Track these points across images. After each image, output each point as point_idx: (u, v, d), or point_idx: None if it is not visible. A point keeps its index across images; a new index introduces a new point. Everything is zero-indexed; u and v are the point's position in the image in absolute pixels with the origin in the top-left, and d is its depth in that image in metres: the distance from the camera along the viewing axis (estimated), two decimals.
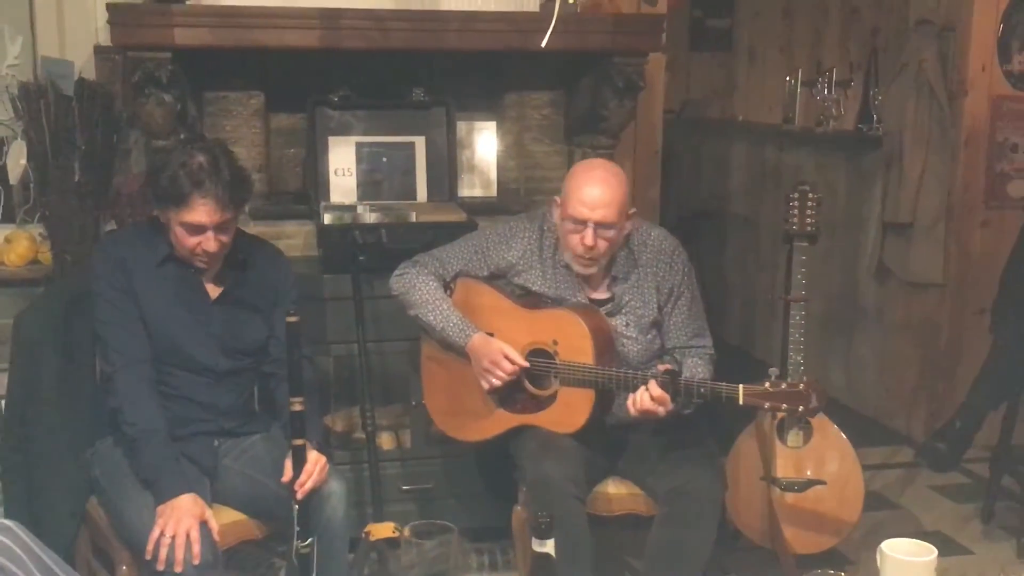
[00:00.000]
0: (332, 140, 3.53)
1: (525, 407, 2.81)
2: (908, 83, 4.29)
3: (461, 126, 3.68)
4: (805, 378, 2.58)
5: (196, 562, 2.33)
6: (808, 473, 3.03)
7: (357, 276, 3.17)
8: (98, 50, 3.47)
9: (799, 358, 2.96)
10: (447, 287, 2.91)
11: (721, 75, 6.49)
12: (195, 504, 2.41)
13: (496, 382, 2.76)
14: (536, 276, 2.85)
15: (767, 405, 2.53)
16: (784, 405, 2.52)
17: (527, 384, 2.80)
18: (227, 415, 2.68)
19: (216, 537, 2.42)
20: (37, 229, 3.54)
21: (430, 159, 3.60)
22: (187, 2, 3.20)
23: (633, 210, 2.79)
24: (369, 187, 3.56)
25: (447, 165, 3.61)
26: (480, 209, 3.52)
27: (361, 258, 3.19)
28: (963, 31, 4.20)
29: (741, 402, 2.53)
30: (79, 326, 2.69)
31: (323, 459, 2.50)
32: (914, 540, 2.06)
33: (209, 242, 2.50)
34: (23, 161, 3.41)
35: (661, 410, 2.58)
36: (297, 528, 2.40)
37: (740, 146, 5.92)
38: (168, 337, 2.59)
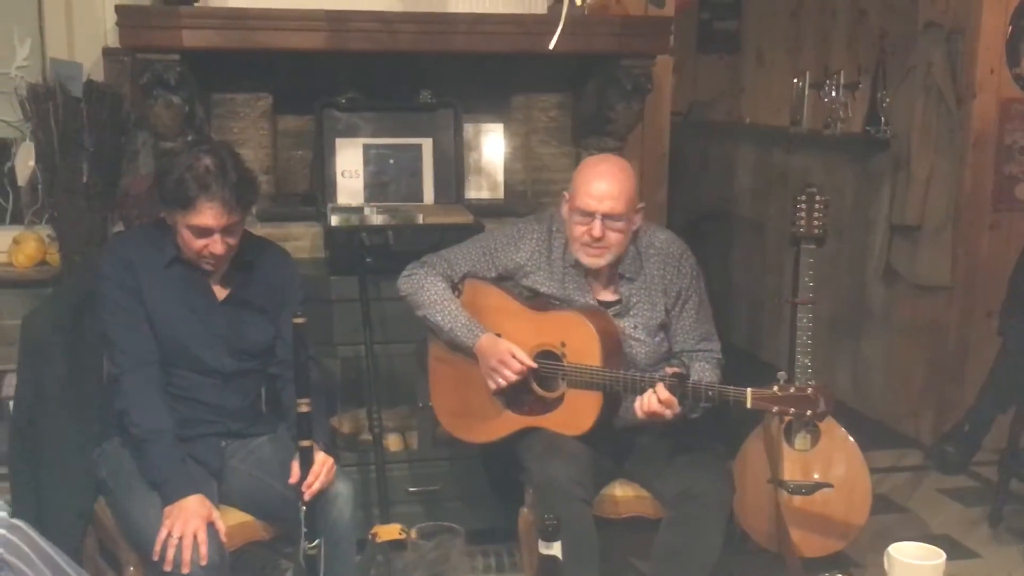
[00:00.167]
0: (339, 142, 3.53)
1: (532, 409, 2.80)
2: (916, 86, 4.28)
3: (468, 128, 3.68)
4: (813, 382, 2.57)
5: (203, 563, 2.33)
6: (815, 476, 3.03)
7: (364, 278, 3.17)
8: (106, 52, 3.48)
9: (806, 361, 2.95)
10: (455, 288, 2.91)
11: (728, 77, 6.48)
12: (202, 505, 2.41)
13: (503, 382, 2.76)
14: (544, 277, 2.84)
15: (775, 409, 2.53)
16: (792, 409, 2.51)
17: (534, 386, 2.80)
18: (234, 416, 2.68)
19: (223, 538, 2.42)
20: (45, 230, 3.55)
21: (437, 161, 3.60)
22: (195, 4, 3.21)
23: (642, 205, 2.80)
24: (376, 189, 3.56)
25: (454, 167, 3.61)
26: (487, 211, 3.52)
27: (368, 260, 3.19)
28: (971, 34, 4.19)
29: (749, 406, 2.53)
30: (87, 327, 2.69)
31: (330, 460, 2.50)
32: (922, 544, 2.06)
33: (216, 245, 2.51)
34: (31, 162, 3.42)
35: (668, 413, 2.58)
36: (304, 529, 2.40)
37: (747, 148, 5.91)
38: (175, 338, 2.59)
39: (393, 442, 3.39)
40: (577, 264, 2.81)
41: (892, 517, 3.76)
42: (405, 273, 2.93)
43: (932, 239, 4.33)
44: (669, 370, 2.65)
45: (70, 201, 3.35)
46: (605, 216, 2.68)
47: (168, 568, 2.33)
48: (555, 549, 1.82)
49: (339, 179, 3.53)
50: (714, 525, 2.65)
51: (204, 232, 2.49)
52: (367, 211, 3.33)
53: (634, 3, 3.78)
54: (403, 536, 2.64)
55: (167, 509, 2.39)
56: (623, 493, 2.83)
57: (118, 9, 3.13)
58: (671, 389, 2.56)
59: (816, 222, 3.00)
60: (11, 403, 2.85)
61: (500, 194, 3.78)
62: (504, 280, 2.90)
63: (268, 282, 2.71)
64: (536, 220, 2.94)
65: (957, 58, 4.24)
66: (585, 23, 3.39)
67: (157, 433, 2.49)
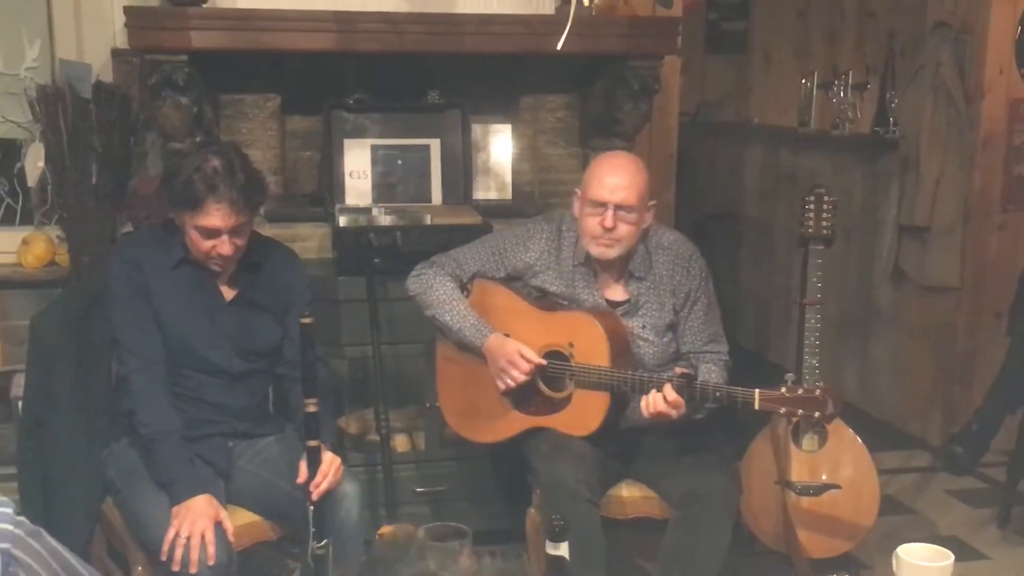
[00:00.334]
0: (347, 143, 3.54)
1: (540, 409, 2.81)
2: (925, 86, 4.28)
3: (476, 129, 3.68)
4: (822, 383, 2.57)
5: (211, 563, 2.34)
6: (823, 477, 3.02)
7: (372, 278, 3.17)
8: (115, 53, 3.49)
9: (814, 362, 2.95)
10: (464, 288, 2.92)
11: (736, 78, 6.48)
12: (210, 505, 2.41)
13: (512, 383, 2.76)
14: (553, 276, 2.85)
15: (783, 410, 2.53)
16: (800, 411, 2.51)
17: (542, 386, 2.80)
18: (241, 417, 2.69)
19: (231, 538, 2.43)
20: (54, 231, 3.56)
21: (445, 162, 3.61)
22: (204, 5, 3.22)
23: (653, 202, 2.81)
24: (384, 190, 3.57)
25: (462, 168, 3.61)
26: (495, 212, 3.52)
27: (376, 260, 3.19)
28: (980, 34, 4.17)
29: (757, 407, 2.53)
30: (96, 328, 2.70)
31: (338, 460, 2.51)
32: (930, 545, 2.05)
33: (224, 246, 2.51)
34: (41, 163, 3.42)
35: (674, 413, 2.58)
36: (312, 529, 2.41)
37: (755, 149, 5.91)
38: (182, 339, 2.60)
39: (400, 442, 3.39)
40: (587, 262, 2.81)
41: (900, 518, 3.76)
42: (414, 273, 2.93)
43: (941, 240, 4.32)
44: (678, 370, 2.66)
45: (79, 202, 3.36)
46: (617, 207, 2.69)
47: (176, 568, 2.34)
48: (562, 549, 1.83)
49: (347, 180, 3.54)
50: (721, 526, 2.65)
51: (212, 233, 2.50)
52: (375, 212, 3.33)
53: (642, 4, 3.78)
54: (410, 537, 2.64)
55: (175, 509, 2.40)
56: (630, 494, 2.83)
57: (127, 10, 3.14)
58: (679, 390, 2.56)
59: (824, 223, 2.99)
60: (20, 403, 2.86)
61: (508, 195, 3.78)
62: (513, 280, 2.91)
63: (276, 283, 2.72)
64: (545, 220, 2.95)
65: (966, 58, 4.23)
66: (593, 24, 3.39)
67: (165, 433, 2.49)
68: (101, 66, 3.48)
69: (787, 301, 5.14)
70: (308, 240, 3.50)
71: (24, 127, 3.52)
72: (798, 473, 3.03)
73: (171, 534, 2.36)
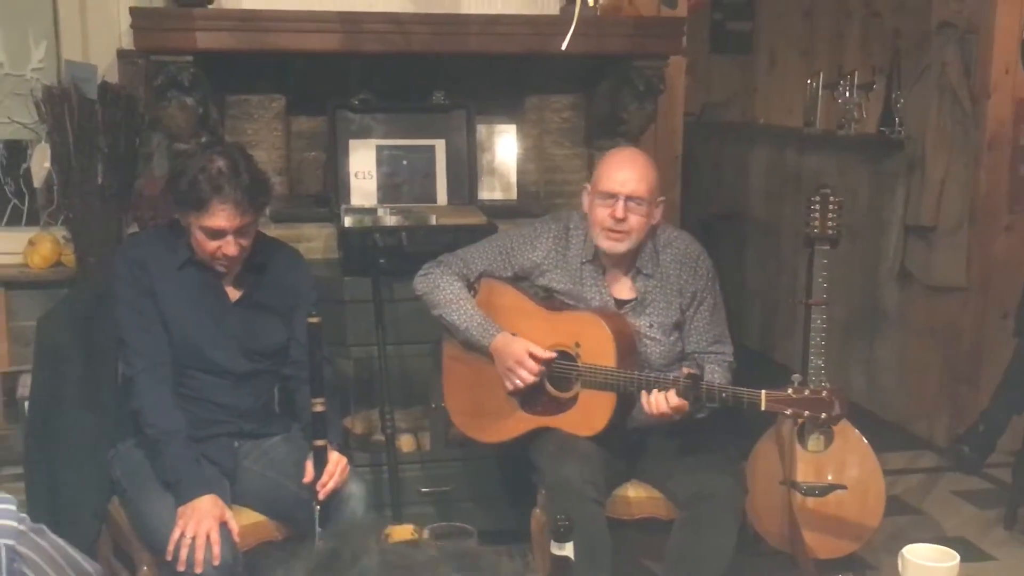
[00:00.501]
0: (352, 143, 3.54)
1: (546, 409, 2.80)
2: (930, 86, 4.27)
3: (481, 129, 3.68)
4: (828, 385, 2.56)
5: (216, 563, 2.34)
6: (829, 477, 3.02)
7: (377, 279, 3.17)
8: (121, 54, 3.49)
9: (820, 362, 2.94)
10: (471, 287, 2.92)
11: (742, 78, 6.47)
12: (215, 505, 2.41)
13: (520, 383, 2.76)
14: (560, 274, 2.85)
15: (789, 411, 2.52)
16: (807, 412, 2.51)
17: (548, 386, 2.80)
18: (247, 417, 2.69)
19: (236, 538, 2.43)
20: (60, 231, 3.56)
21: (450, 162, 3.61)
22: (209, 6, 3.22)
23: (662, 198, 2.82)
24: (389, 190, 3.57)
25: (467, 168, 3.61)
26: (500, 212, 3.52)
27: (381, 261, 3.19)
28: (986, 34, 4.17)
29: (763, 407, 2.52)
30: (102, 328, 2.70)
31: (344, 460, 2.51)
32: (936, 545, 2.05)
33: (229, 246, 2.51)
34: (47, 164, 3.43)
35: (676, 416, 2.59)
36: (318, 529, 2.41)
37: (761, 149, 5.90)
38: (188, 339, 2.60)
39: (406, 443, 3.39)
40: (595, 259, 2.82)
41: (906, 519, 3.75)
42: (421, 272, 2.93)
43: (947, 240, 4.31)
44: (684, 370, 2.66)
45: (85, 202, 3.36)
46: (628, 198, 2.70)
47: (182, 568, 2.34)
48: (567, 550, 1.82)
49: (352, 180, 3.54)
50: (727, 526, 2.65)
51: (217, 233, 2.50)
52: (380, 212, 3.33)
53: (647, 4, 3.78)
54: (416, 537, 2.64)
55: (180, 509, 2.40)
56: (636, 494, 2.83)
57: (132, 11, 3.15)
58: (684, 391, 2.56)
59: (830, 223, 2.99)
60: (26, 403, 2.86)
61: (513, 195, 3.78)
62: (520, 280, 2.91)
63: (281, 283, 2.72)
64: (553, 219, 2.96)
65: (971, 58, 4.22)
66: (598, 24, 3.39)
67: (171, 433, 2.49)
68: (107, 67, 3.49)
69: (793, 301, 5.14)
70: (313, 240, 3.50)
71: (30, 128, 3.53)
72: (804, 473, 3.02)
73: (177, 534, 2.36)
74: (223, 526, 2.39)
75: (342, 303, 3.23)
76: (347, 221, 3.27)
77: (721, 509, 2.65)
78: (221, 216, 2.47)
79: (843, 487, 2.99)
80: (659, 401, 2.57)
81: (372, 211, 3.36)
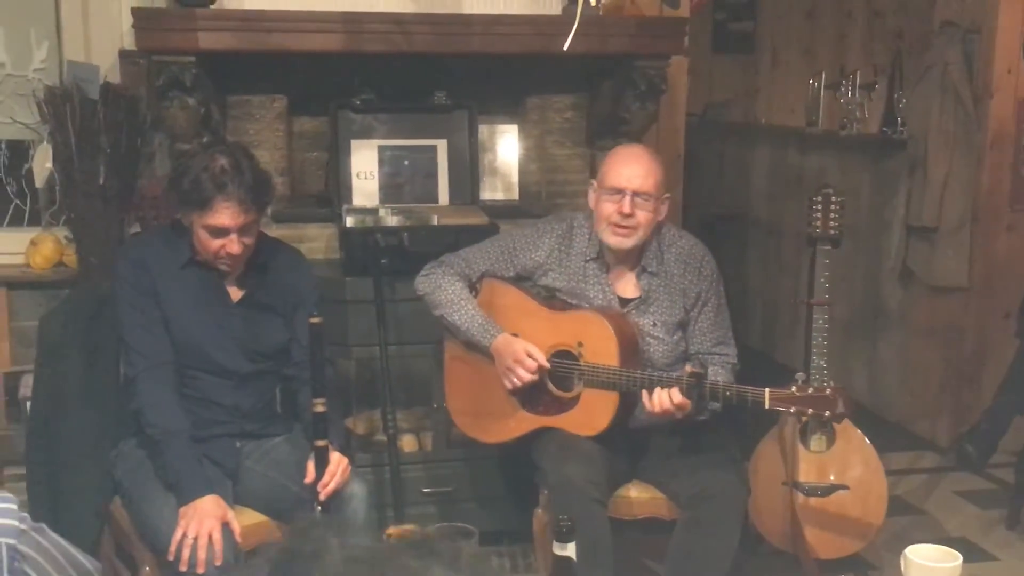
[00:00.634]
0: (354, 143, 3.54)
1: (547, 409, 2.80)
2: (933, 86, 4.26)
3: (483, 129, 3.68)
4: (832, 383, 2.56)
5: (218, 563, 2.34)
6: (831, 478, 3.02)
7: (379, 279, 3.17)
8: (123, 54, 3.49)
9: (822, 362, 2.94)
10: (473, 287, 2.92)
11: (744, 78, 6.47)
12: (217, 506, 2.42)
13: (518, 382, 2.76)
14: (563, 273, 2.85)
15: (793, 409, 2.52)
16: (810, 410, 2.51)
17: (550, 385, 2.80)
18: (249, 417, 2.69)
19: (238, 538, 2.42)
20: (62, 232, 3.56)
21: (452, 162, 3.61)
22: (211, 7, 3.22)
23: (667, 195, 2.83)
24: (391, 190, 3.57)
25: (469, 168, 3.61)
26: (502, 212, 3.52)
27: (383, 261, 3.19)
28: (988, 33, 4.16)
29: (767, 406, 2.52)
30: (103, 328, 2.71)
31: (345, 460, 2.51)
32: (938, 546, 2.05)
33: (232, 245, 2.51)
34: (49, 164, 3.43)
35: (679, 414, 2.59)
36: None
37: (763, 149, 5.90)
38: (190, 340, 2.60)
39: (407, 443, 3.39)
40: (599, 257, 2.82)
41: (908, 519, 3.75)
42: (423, 273, 2.94)
43: (949, 240, 4.30)
44: (688, 368, 2.66)
45: (87, 203, 3.37)
46: (635, 193, 2.71)
47: (184, 568, 2.34)
48: (569, 550, 1.82)
49: (354, 180, 3.54)
50: (729, 526, 2.65)
51: (221, 232, 2.50)
52: (382, 212, 3.33)
53: (649, 4, 3.77)
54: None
55: (182, 509, 2.40)
56: (638, 494, 2.83)
57: (134, 12, 3.15)
58: (688, 390, 2.56)
59: (832, 223, 2.99)
60: (28, 403, 2.86)
61: (515, 195, 3.78)
62: (522, 280, 2.91)
63: (283, 284, 2.72)
64: (556, 219, 2.96)
65: (974, 58, 4.21)
66: (600, 24, 3.38)
67: (173, 434, 2.49)
68: (109, 67, 3.49)
69: (795, 301, 5.14)
70: (315, 241, 3.50)
71: (32, 128, 3.53)
72: (806, 474, 3.02)
73: (178, 534, 2.36)
74: (225, 526, 2.39)
75: (344, 303, 3.23)
76: (349, 221, 3.27)
77: (723, 509, 2.65)
78: (225, 214, 2.47)
79: (845, 487, 2.99)
80: (662, 399, 2.57)
81: (374, 211, 3.36)
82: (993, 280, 4.31)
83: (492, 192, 3.76)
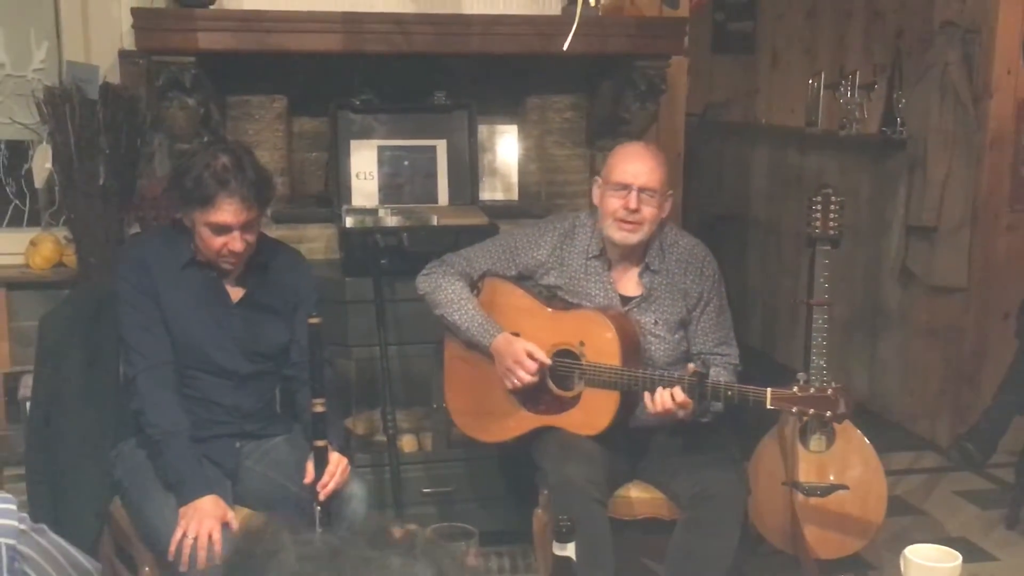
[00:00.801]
0: (354, 144, 3.54)
1: (548, 408, 2.80)
2: (932, 86, 4.26)
3: (483, 129, 3.68)
4: (834, 383, 2.56)
5: (218, 563, 2.34)
6: (831, 478, 3.02)
7: (379, 279, 3.17)
8: (122, 55, 3.49)
9: (822, 362, 2.94)
10: (474, 286, 2.92)
11: (743, 78, 6.46)
12: (217, 506, 2.42)
13: (518, 382, 2.76)
14: (565, 271, 2.85)
15: (795, 409, 2.52)
16: (812, 410, 2.51)
17: (551, 385, 2.80)
18: (249, 417, 2.69)
19: None
20: (62, 232, 3.56)
21: (452, 162, 3.61)
22: (211, 7, 3.22)
23: (671, 191, 2.85)
24: (391, 190, 3.57)
25: (468, 168, 3.61)
26: (501, 212, 3.52)
27: (383, 261, 3.19)
28: (988, 33, 4.16)
29: (769, 405, 2.52)
30: (103, 328, 2.70)
31: (345, 460, 2.51)
32: (938, 546, 2.05)
33: (235, 242, 2.51)
34: (48, 165, 3.43)
35: (681, 413, 2.59)
36: (319, 530, 2.40)
37: (763, 149, 5.90)
38: (190, 340, 2.60)
39: (407, 443, 3.39)
40: (601, 255, 2.82)
41: (908, 519, 3.75)
42: (424, 272, 2.94)
43: (948, 240, 4.31)
44: (690, 367, 2.66)
45: (87, 203, 3.37)
46: (641, 189, 2.73)
47: (184, 568, 2.34)
48: (569, 550, 1.82)
49: (354, 181, 3.54)
50: (729, 527, 2.65)
51: (223, 229, 2.50)
52: (382, 212, 3.33)
53: (648, 4, 3.78)
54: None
55: (182, 509, 2.40)
56: (638, 494, 2.83)
57: (134, 12, 3.15)
58: (690, 388, 2.56)
59: (831, 223, 2.99)
60: (28, 404, 2.86)
61: (515, 195, 3.78)
62: (524, 279, 2.91)
63: (282, 284, 2.72)
64: (558, 218, 2.98)
65: (973, 58, 4.22)
66: (599, 24, 3.38)
67: (172, 434, 2.49)
68: (108, 68, 3.49)
69: (794, 301, 5.14)
70: (315, 241, 3.50)
71: (32, 128, 3.53)
72: (806, 474, 3.02)
73: (178, 534, 2.36)
74: (225, 526, 2.39)
75: (343, 304, 3.22)
76: (348, 221, 3.27)
77: (723, 509, 2.65)
78: (227, 211, 2.47)
79: (845, 487, 2.99)
80: (664, 398, 2.57)
81: (373, 211, 3.36)
82: (992, 280, 4.31)
83: (492, 192, 3.76)
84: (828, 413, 2.50)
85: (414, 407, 3.46)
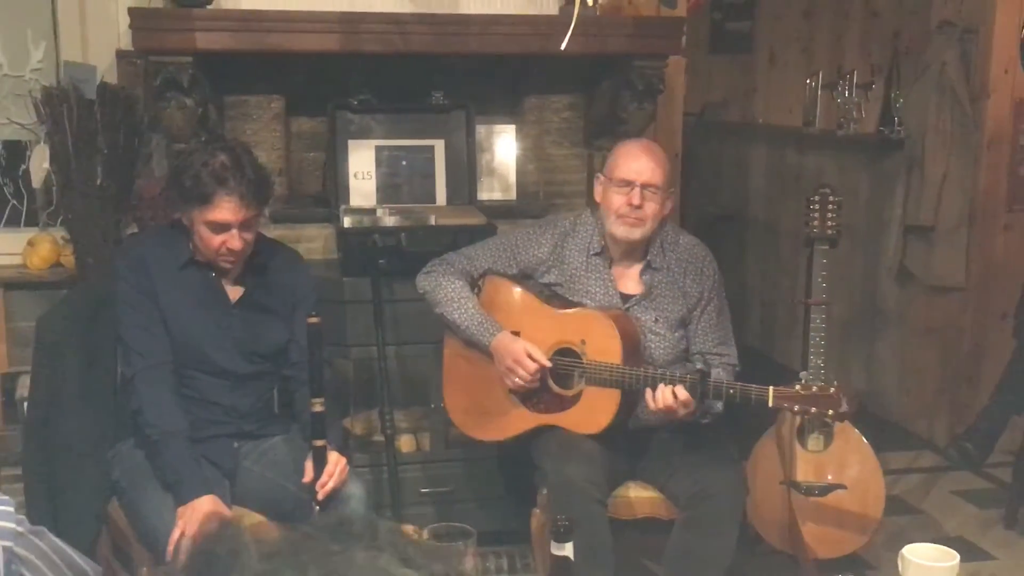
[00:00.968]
0: (352, 144, 3.54)
1: (548, 407, 2.80)
2: (930, 85, 4.27)
3: (480, 129, 3.68)
4: (836, 382, 2.56)
5: None
6: (829, 477, 3.02)
7: (377, 279, 3.17)
8: (120, 55, 3.49)
9: (820, 362, 2.94)
10: (475, 285, 2.92)
11: (741, 78, 6.46)
12: (215, 506, 2.41)
13: (519, 381, 2.76)
14: (565, 269, 2.85)
15: (796, 408, 2.52)
16: (814, 409, 2.51)
17: (552, 383, 2.79)
18: (247, 418, 2.69)
19: None
20: (59, 232, 3.56)
21: (449, 162, 3.61)
22: (208, 7, 3.22)
23: (673, 189, 2.86)
24: (389, 190, 3.57)
25: (466, 168, 3.61)
26: (499, 212, 3.52)
27: (381, 261, 3.19)
28: (985, 33, 4.17)
29: (771, 404, 2.52)
30: (101, 328, 2.70)
31: (343, 460, 2.51)
32: (936, 545, 2.05)
33: (234, 240, 2.51)
34: (46, 165, 3.43)
35: (682, 411, 2.58)
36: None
37: (760, 149, 5.90)
38: (188, 340, 2.60)
39: (406, 443, 3.39)
40: (603, 253, 2.83)
41: (906, 518, 3.75)
42: (424, 270, 2.94)
43: (946, 240, 4.31)
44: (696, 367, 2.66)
45: (84, 203, 3.36)
46: (644, 186, 2.74)
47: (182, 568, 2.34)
48: (567, 550, 1.82)
49: (352, 181, 3.53)
50: (728, 526, 2.65)
51: (222, 227, 2.50)
52: (379, 212, 3.33)
53: (646, 4, 3.78)
54: (415, 537, 2.64)
55: (180, 510, 2.40)
56: (637, 494, 2.83)
57: (131, 12, 3.15)
58: (692, 387, 2.56)
59: (829, 223, 2.99)
60: (26, 404, 2.86)
61: (512, 195, 3.78)
62: (525, 278, 2.91)
63: (281, 284, 2.72)
64: (559, 217, 3.00)
65: (971, 58, 4.22)
66: (597, 24, 3.38)
67: (171, 434, 2.49)
68: (106, 68, 3.49)
69: (792, 301, 5.14)
70: (313, 241, 3.50)
71: (29, 128, 3.53)
72: (803, 473, 3.02)
73: (176, 534, 2.36)
74: None
75: (342, 303, 3.22)
76: (346, 222, 3.27)
77: (722, 509, 2.65)
78: (226, 209, 2.47)
79: (843, 487, 2.99)
80: (666, 396, 2.57)
81: (371, 211, 3.36)
82: (990, 280, 4.31)
83: (490, 192, 3.76)
84: (830, 412, 2.50)
85: (412, 407, 3.46)
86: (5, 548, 1.45)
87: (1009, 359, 3.76)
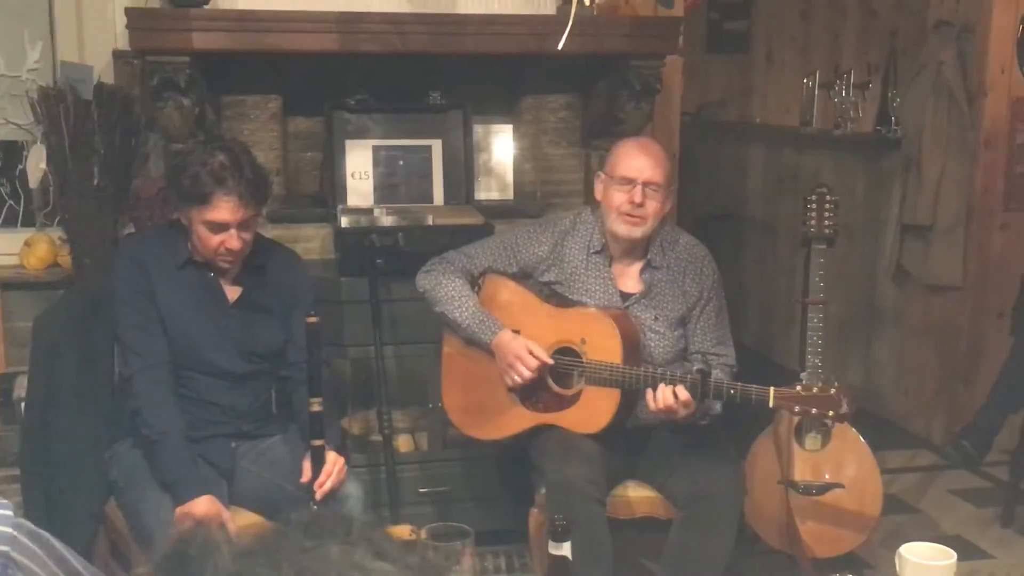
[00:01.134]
0: (349, 143, 3.54)
1: (547, 406, 2.80)
2: (927, 85, 4.27)
3: (478, 129, 3.68)
4: (837, 382, 2.56)
5: None
6: (826, 476, 3.02)
7: (374, 279, 3.17)
8: (117, 55, 3.49)
9: (817, 361, 2.94)
10: (475, 283, 2.92)
11: (738, 77, 6.47)
12: (213, 506, 2.41)
13: (519, 379, 2.76)
14: (564, 267, 2.85)
15: (797, 409, 2.52)
16: (814, 410, 2.50)
17: (551, 382, 2.79)
18: (245, 418, 2.69)
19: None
20: (56, 232, 3.56)
21: (447, 162, 3.61)
22: (205, 7, 3.21)
23: (674, 187, 2.86)
24: (386, 190, 3.57)
25: (464, 168, 3.61)
26: (497, 212, 3.52)
27: (378, 261, 3.19)
28: (982, 32, 4.17)
29: (772, 404, 2.52)
30: (98, 329, 2.70)
31: (341, 460, 2.51)
32: (933, 544, 2.05)
33: (232, 240, 2.51)
34: (43, 165, 3.43)
35: (682, 412, 2.58)
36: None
37: (757, 148, 5.90)
38: (186, 340, 2.60)
39: (403, 443, 3.39)
40: (603, 251, 2.83)
41: (903, 517, 3.75)
42: (424, 269, 2.94)
43: (943, 239, 4.31)
44: (695, 367, 2.66)
45: (81, 203, 3.36)
46: (645, 183, 2.74)
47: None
48: (565, 549, 1.82)
49: (349, 180, 3.54)
50: (726, 526, 2.65)
51: (220, 227, 2.50)
52: (377, 212, 3.33)
53: (643, 4, 3.77)
54: (413, 537, 2.64)
55: (178, 510, 2.40)
56: (635, 494, 2.83)
57: (128, 12, 3.14)
58: (692, 387, 2.56)
59: (827, 222, 2.99)
60: (23, 405, 2.86)
61: (510, 195, 3.78)
62: (525, 277, 2.91)
63: (279, 284, 2.72)
64: (559, 216, 2.99)
65: (968, 57, 4.22)
66: (594, 24, 3.38)
67: (168, 434, 2.49)
68: (103, 68, 3.48)
69: (790, 300, 5.14)
70: (310, 241, 3.50)
71: (26, 129, 3.53)
72: (801, 472, 3.02)
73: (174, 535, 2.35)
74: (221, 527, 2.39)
75: (339, 303, 3.22)
76: (344, 221, 3.27)
77: (720, 509, 2.65)
78: (225, 208, 2.47)
79: (840, 486, 2.99)
80: (666, 395, 2.57)
81: (369, 211, 3.36)
82: (987, 279, 4.32)
83: (487, 192, 3.76)
84: (831, 412, 2.50)
85: (410, 407, 3.46)
86: (2, 554, 1.45)
87: (1006, 358, 3.77)
